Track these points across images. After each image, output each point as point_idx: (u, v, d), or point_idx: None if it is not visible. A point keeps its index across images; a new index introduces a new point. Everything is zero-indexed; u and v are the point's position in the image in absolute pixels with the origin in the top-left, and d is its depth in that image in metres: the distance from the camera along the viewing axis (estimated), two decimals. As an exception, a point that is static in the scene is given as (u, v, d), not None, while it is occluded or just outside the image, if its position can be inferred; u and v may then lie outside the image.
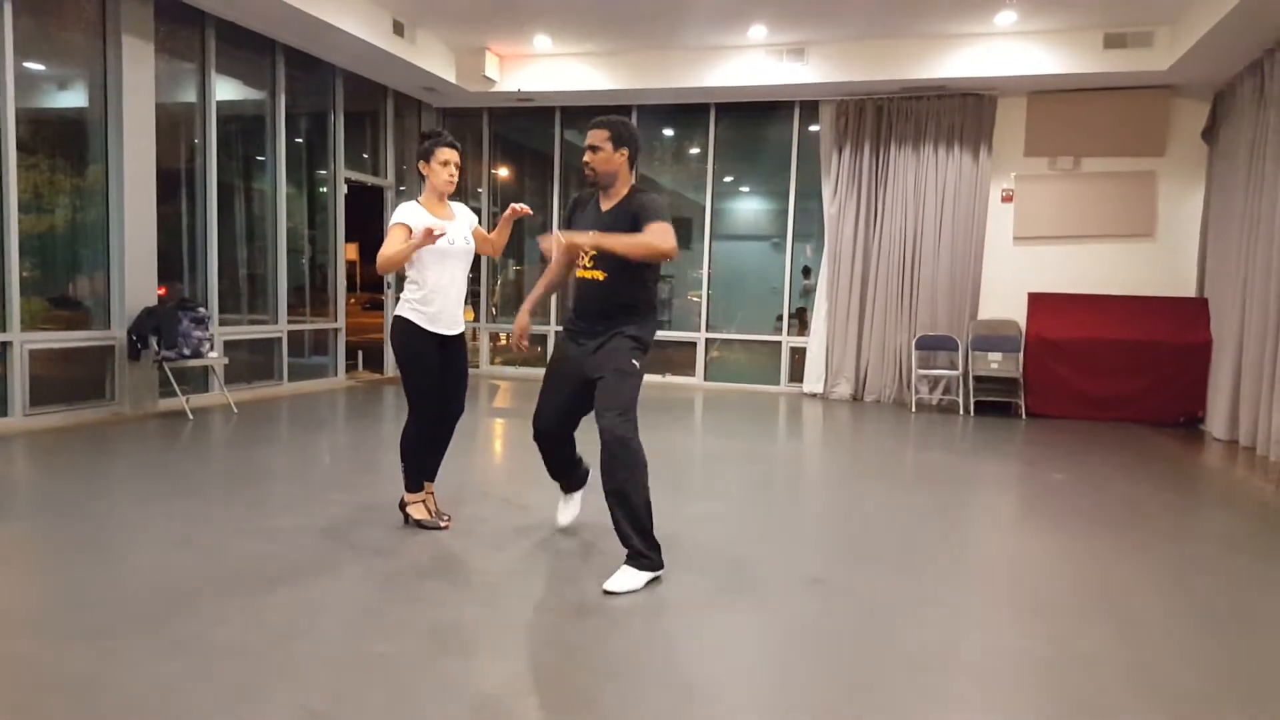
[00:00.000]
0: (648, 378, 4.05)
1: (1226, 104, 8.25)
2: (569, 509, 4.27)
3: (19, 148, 6.26)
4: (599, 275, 3.71)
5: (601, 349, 3.70)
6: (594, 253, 3.69)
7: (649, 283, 3.81)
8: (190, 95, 7.75)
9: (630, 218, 3.62)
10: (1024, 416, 8.66)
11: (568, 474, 4.19)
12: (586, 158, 3.73)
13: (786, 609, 3.33)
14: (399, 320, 4.09)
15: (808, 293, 10.22)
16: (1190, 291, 8.80)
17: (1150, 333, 8.40)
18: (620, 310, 3.73)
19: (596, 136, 3.71)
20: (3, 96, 6.15)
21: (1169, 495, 5.62)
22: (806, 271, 10.28)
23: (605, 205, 3.77)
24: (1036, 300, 9.01)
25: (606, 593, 3.41)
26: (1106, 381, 8.47)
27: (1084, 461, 6.54)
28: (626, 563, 3.54)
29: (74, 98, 7.04)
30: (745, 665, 2.86)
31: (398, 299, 4.22)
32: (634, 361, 3.66)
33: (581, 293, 3.83)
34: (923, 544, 4.29)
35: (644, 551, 3.54)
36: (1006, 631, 3.20)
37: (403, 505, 4.28)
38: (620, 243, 3.53)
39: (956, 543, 4.47)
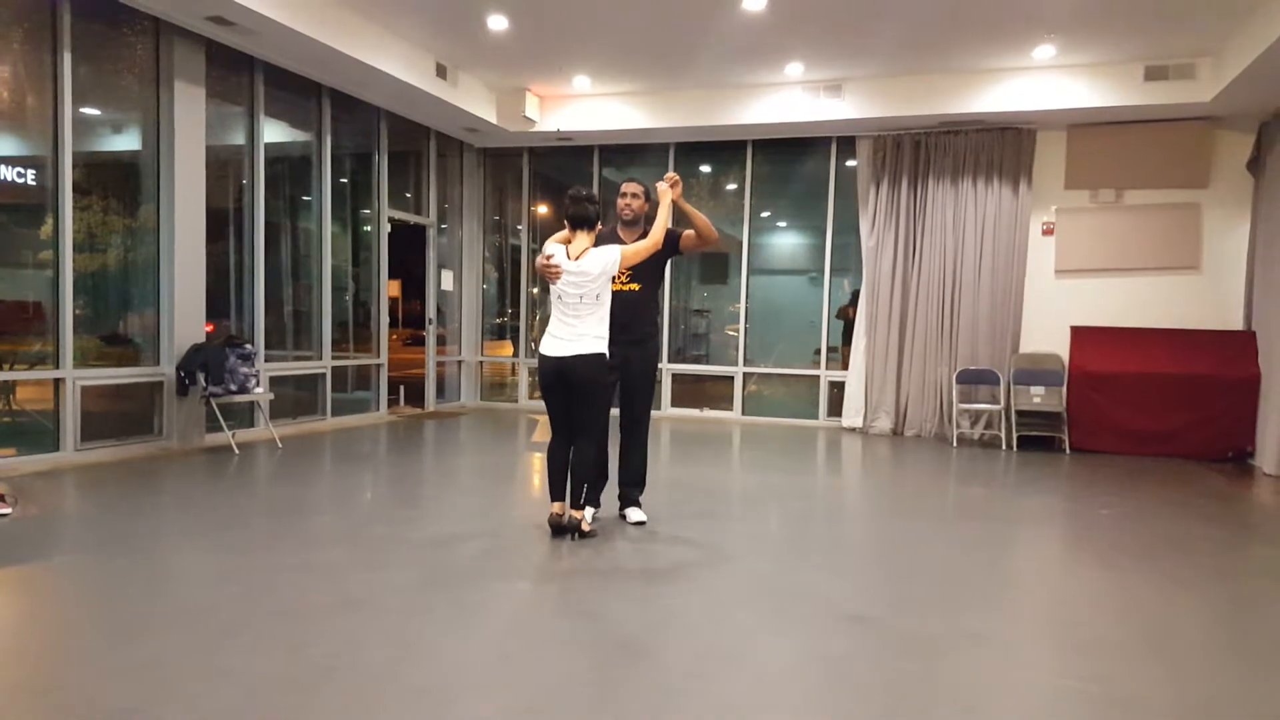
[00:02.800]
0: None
1: (1272, 134, 8.14)
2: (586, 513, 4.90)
3: (75, 189, 6.46)
4: (635, 287, 4.84)
5: (642, 358, 4.92)
6: (630, 273, 4.79)
7: (659, 297, 5.18)
8: (239, 137, 7.97)
9: (669, 240, 4.78)
10: (1068, 451, 8.53)
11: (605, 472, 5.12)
12: (628, 200, 4.90)
13: (826, 646, 3.30)
14: (601, 356, 4.57)
15: (845, 315, 10.14)
16: (1237, 325, 8.64)
17: (1197, 366, 8.25)
18: (649, 315, 4.97)
19: (636, 188, 4.92)
20: (61, 141, 6.37)
21: (1218, 531, 5.49)
22: (855, 296, 10.10)
23: (631, 239, 4.85)
24: (1079, 334, 8.90)
25: (638, 523, 4.97)
26: (1152, 416, 8.32)
27: (1130, 497, 6.42)
28: (636, 506, 5.07)
29: (128, 141, 7.27)
30: (782, 702, 2.83)
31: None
32: (655, 376, 5.12)
33: (619, 304, 4.68)
34: (966, 581, 4.23)
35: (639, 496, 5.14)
36: (1052, 670, 3.15)
37: (577, 524, 4.63)
38: (695, 212, 4.82)
39: (1001, 580, 4.40)
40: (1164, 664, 3.20)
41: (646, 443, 5.12)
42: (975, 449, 8.73)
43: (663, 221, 4.69)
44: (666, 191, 4.75)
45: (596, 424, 4.70)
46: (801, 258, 10.72)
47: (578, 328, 4.53)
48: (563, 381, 4.58)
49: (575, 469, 4.68)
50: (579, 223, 4.62)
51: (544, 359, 4.61)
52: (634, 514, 5.06)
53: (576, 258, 4.54)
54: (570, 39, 8.11)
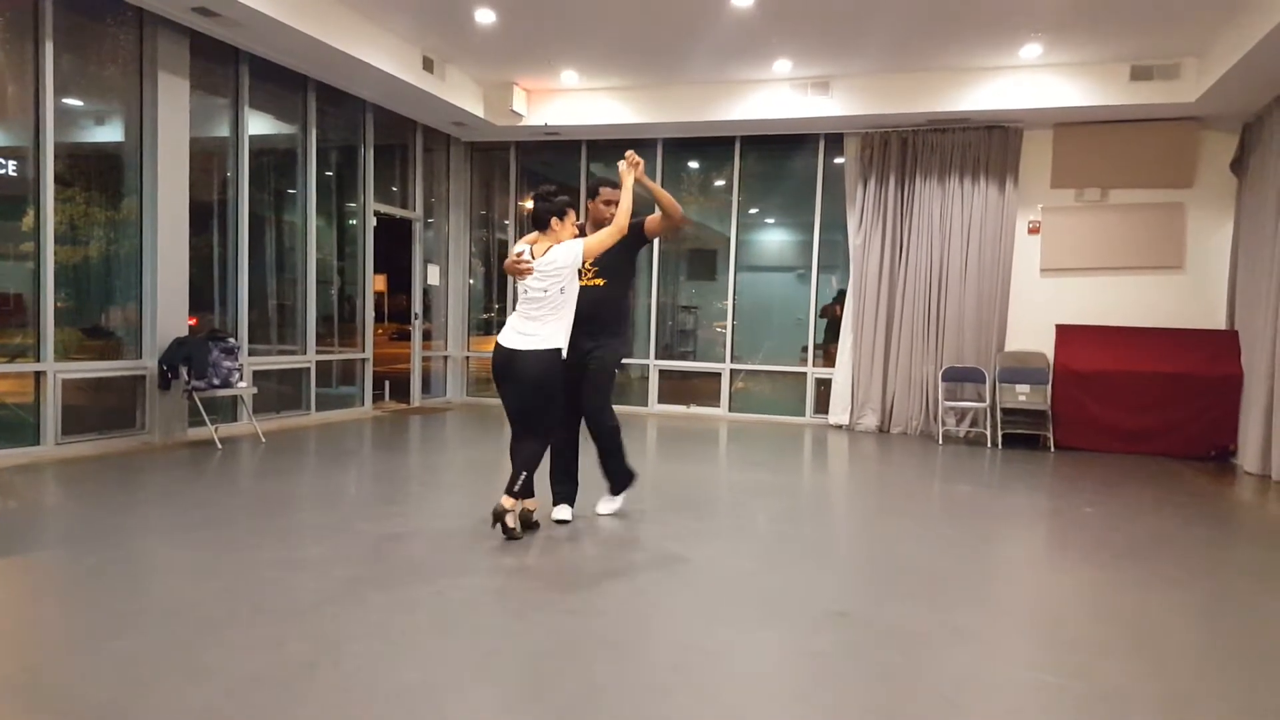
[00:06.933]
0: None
1: (1255, 135, 8.19)
2: (561, 511, 4.88)
3: (56, 181, 6.40)
4: (600, 283, 4.70)
5: (596, 351, 4.68)
6: (596, 268, 4.70)
7: (630, 295, 4.97)
8: (224, 130, 7.90)
9: (632, 230, 4.65)
10: (1052, 449, 8.57)
11: (565, 481, 4.95)
12: (607, 206, 4.79)
13: (810, 642, 3.30)
14: (555, 353, 4.45)
15: (830, 315, 10.17)
16: (1220, 324, 8.70)
17: (1180, 365, 8.30)
18: (613, 316, 4.81)
19: (614, 195, 4.76)
20: (43, 132, 6.30)
21: (1200, 529, 5.53)
22: (841, 295, 10.11)
23: None
24: (1064, 332, 8.94)
25: (599, 514, 4.95)
26: (1136, 414, 8.37)
27: (1114, 495, 6.45)
28: (612, 493, 5.03)
29: (111, 132, 7.20)
30: (767, 697, 2.82)
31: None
32: (615, 370, 4.86)
33: (583, 300, 4.57)
34: (951, 578, 4.24)
35: (623, 482, 4.99)
36: (1036, 666, 3.15)
37: (505, 512, 4.45)
38: (658, 189, 4.75)
39: (985, 577, 4.42)
40: (1146, 660, 3.21)
41: (615, 440, 4.85)
42: (960, 446, 8.76)
43: (625, 205, 4.56)
44: (628, 172, 4.62)
45: (543, 424, 4.58)
46: (789, 254, 10.73)
47: (537, 325, 4.48)
48: (512, 374, 4.51)
49: (513, 456, 4.59)
50: (539, 221, 4.63)
51: (498, 348, 4.55)
52: (601, 505, 5.04)
53: (541, 254, 4.52)
54: (558, 33, 8.08)
